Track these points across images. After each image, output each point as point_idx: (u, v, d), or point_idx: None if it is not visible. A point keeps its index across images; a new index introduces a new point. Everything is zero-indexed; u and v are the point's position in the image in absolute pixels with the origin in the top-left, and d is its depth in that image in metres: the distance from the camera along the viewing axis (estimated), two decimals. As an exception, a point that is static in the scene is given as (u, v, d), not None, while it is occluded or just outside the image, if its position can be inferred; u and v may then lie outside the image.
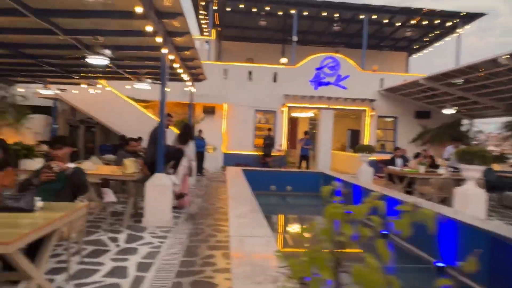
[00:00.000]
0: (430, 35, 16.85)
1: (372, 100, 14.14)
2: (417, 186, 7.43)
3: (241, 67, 14.21)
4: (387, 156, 13.97)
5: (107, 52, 5.43)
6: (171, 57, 5.82)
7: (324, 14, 14.68)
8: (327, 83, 14.25)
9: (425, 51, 18.99)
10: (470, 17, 14.66)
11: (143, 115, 12.44)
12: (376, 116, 14.45)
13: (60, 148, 3.41)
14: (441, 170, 7.81)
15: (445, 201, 6.90)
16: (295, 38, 14.49)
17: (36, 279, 2.22)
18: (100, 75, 9.31)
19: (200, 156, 11.92)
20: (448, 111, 12.26)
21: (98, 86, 10.84)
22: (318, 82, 14.24)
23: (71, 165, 3.45)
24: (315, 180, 10.11)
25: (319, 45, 18.27)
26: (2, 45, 6.37)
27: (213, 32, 16.11)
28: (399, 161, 8.65)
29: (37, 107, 12.54)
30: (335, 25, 15.43)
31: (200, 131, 12.09)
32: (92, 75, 9.36)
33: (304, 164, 12.73)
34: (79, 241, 3.83)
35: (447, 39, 16.66)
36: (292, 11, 14.41)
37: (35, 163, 5.26)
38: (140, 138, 9.22)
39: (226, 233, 4.92)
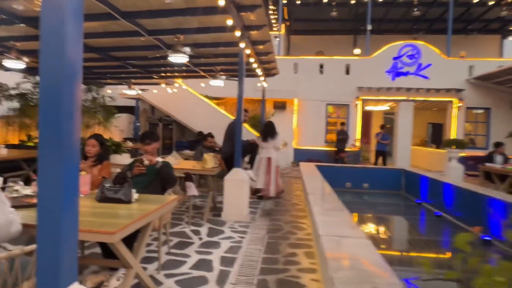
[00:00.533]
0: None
1: (459, 90, 12.73)
2: (524, 186, 6.41)
3: (312, 60, 13.84)
4: (477, 152, 12.53)
5: (187, 49, 5.58)
6: (247, 51, 5.78)
7: (402, -2, 13.60)
8: (406, 73, 13.18)
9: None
10: None
11: (216, 111, 12.79)
12: (465, 108, 12.98)
13: (150, 144, 3.53)
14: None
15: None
16: (369, 27, 13.67)
17: (135, 268, 2.27)
18: (177, 74, 9.74)
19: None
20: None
21: (175, 85, 11.40)
22: (395, 72, 13.24)
23: (160, 160, 3.55)
24: (395, 177, 9.41)
25: (396, 34, 17.02)
26: (94, 49, 6.95)
27: (282, 26, 15.97)
28: (499, 158, 7.58)
29: (121, 106, 13.67)
30: (414, 9, 14.19)
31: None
32: (170, 74, 9.85)
33: (380, 160, 11.94)
34: (166, 232, 3.95)
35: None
36: (366, -1, 13.61)
37: (123, 158, 5.64)
38: (209, 134, 9.46)
39: (306, 231, 4.73)
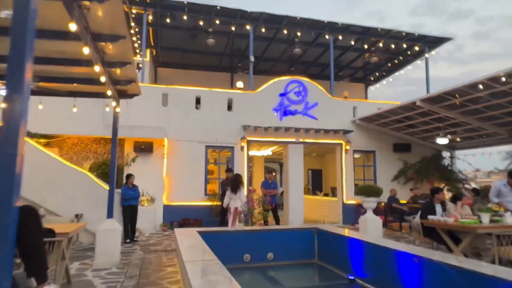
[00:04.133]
0: (394, 61, 15.56)
1: (347, 132, 11.79)
2: (495, 247, 4.61)
3: (186, 91, 11.01)
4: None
5: None
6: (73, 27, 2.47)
7: (284, 32, 12.43)
8: (294, 112, 11.65)
9: (383, 82, 17.83)
10: (436, 42, 13.61)
11: (43, 157, 8.22)
12: (352, 151, 12.07)
13: None
14: (509, 218, 5.20)
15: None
16: (252, 58, 11.87)
17: None
18: None
19: (130, 213, 8.11)
20: (442, 140, 10.32)
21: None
22: (283, 110, 11.57)
23: None
24: (306, 240, 6.94)
25: (273, 75, 15.97)
26: None
27: (147, 52, 12.88)
28: (439, 208, 5.91)
29: None
30: (296, 47, 13.25)
31: (129, 176, 8.33)
32: None
33: (271, 216, 9.48)
34: None
35: (409, 67, 15.54)
36: (247, 27, 11.90)
37: None
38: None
39: None
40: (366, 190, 7.35)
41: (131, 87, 5.87)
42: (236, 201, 7.74)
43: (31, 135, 8.83)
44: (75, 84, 5.51)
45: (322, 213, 12.69)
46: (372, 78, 17.82)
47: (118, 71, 4.71)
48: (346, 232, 6.35)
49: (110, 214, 5.96)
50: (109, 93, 5.24)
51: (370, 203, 7.30)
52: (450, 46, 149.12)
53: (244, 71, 15.14)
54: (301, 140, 11.51)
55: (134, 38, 12.51)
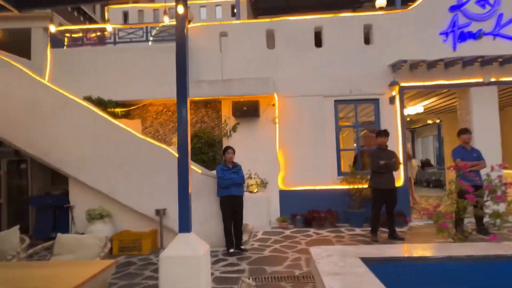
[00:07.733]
0: None
1: None
2: None
3: (300, 23, 7.47)
4: None
5: None
6: None
7: None
8: (477, 34, 7.07)
9: None
10: None
11: (120, 132, 5.81)
12: None
13: None
14: None
15: None
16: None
17: None
18: None
19: (231, 207, 5.20)
20: None
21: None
22: (458, 33, 7.10)
23: None
24: None
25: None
26: None
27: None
28: None
29: None
30: None
31: (225, 150, 5.35)
32: None
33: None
34: None
35: None
36: None
37: None
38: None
39: None
40: None
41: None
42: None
43: (104, 103, 6.64)
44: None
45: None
46: None
47: None
48: None
49: (184, 225, 2.99)
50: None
51: None
52: None
53: (371, 1, 10.89)
54: (493, 79, 6.93)
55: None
